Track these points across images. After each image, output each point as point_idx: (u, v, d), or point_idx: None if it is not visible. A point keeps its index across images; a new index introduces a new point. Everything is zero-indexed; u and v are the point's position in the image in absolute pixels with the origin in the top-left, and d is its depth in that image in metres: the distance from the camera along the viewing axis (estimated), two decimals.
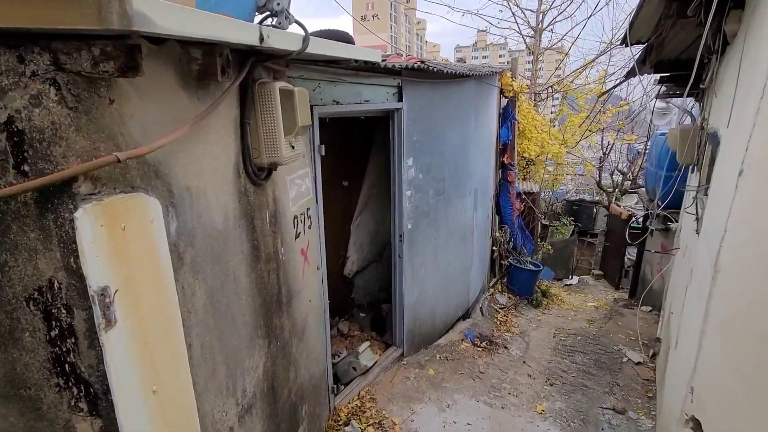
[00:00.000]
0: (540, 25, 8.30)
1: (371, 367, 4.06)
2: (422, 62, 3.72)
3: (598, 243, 10.70)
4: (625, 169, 10.14)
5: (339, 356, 4.38)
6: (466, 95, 4.81)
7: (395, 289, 4.23)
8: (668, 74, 4.60)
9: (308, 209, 2.84)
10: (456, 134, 4.65)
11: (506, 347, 5.15)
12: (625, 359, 4.95)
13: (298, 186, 2.66)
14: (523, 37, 8.25)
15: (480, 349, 4.94)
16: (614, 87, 5.73)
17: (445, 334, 5.04)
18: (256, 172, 2.07)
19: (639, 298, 8.21)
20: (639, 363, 4.80)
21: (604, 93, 6.36)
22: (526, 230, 7.65)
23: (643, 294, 7.43)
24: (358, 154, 5.01)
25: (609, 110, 7.96)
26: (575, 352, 5.19)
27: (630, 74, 4.70)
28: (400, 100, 3.71)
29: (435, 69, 3.92)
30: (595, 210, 12.39)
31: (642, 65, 4.01)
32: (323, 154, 3.00)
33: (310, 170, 2.86)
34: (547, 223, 10.90)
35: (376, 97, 3.46)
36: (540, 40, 8.34)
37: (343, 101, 3.12)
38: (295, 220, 2.62)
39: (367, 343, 4.20)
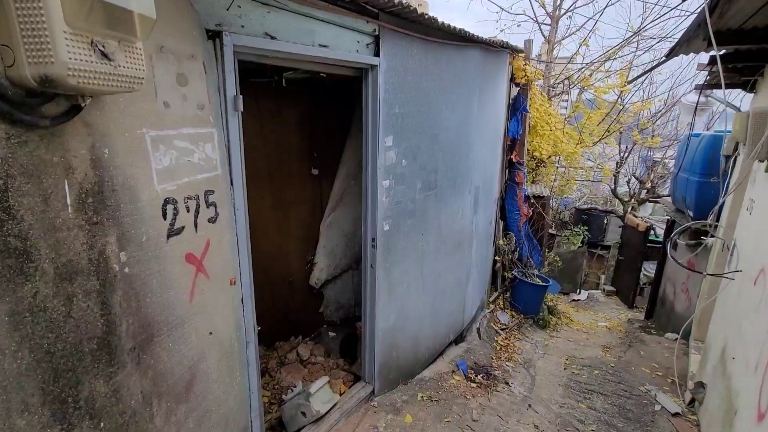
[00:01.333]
0: (557, 12, 7.19)
1: (328, 412, 2.95)
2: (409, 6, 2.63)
3: (610, 256, 9.51)
4: (643, 177, 8.95)
5: (292, 390, 3.28)
6: (469, 68, 3.71)
7: (365, 309, 3.12)
8: (726, 50, 3.46)
9: (209, 192, 1.75)
10: (454, 115, 3.55)
11: (507, 382, 4.01)
12: (657, 407, 3.79)
13: (183, 152, 1.58)
14: (538, 24, 7.15)
15: (474, 386, 3.80)
16: (651, 70, 4.62)
17: (432, 364, 3.91)
18: (16, 96, 0.99)
19: (658, 319, 7.03)
20: (677, 414, 3.63)
21: (633, 80, 5.25)
22: (534, 239, 6.51)
23: (651, 310, 6.23)
24: (332, 136, 3.93)
25: (633, 106, 6.82)
26: (593, 392, 4.04)
27: (675, 51, 3.57)
28: (377, 54, 2.62)
29: (428, 20, 2.82)
30: (606, 220, 11.19)
31: (692, 40, 2.89)
32: (241, 109, 1.91)
33: (215, 132, 1.77)
34: (554, 232, 9.75)
35: (339, 44, 2.38)
36: (557, 28, 7.23)
37: (282, 37, 2.04)
38: (169, 208, 1.53)
39: (324, 379, 3.09)
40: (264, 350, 3.87)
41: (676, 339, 5.58)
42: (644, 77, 6.08)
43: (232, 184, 1.91)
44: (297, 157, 3.76)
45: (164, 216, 1.51)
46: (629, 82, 5.61)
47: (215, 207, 1.80)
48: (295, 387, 3.28)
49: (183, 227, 1.62)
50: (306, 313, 4.13)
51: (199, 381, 1.79)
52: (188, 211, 1.64)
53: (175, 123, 1.54)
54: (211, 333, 1.84)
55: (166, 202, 1.51)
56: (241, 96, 1.89)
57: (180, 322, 1.65)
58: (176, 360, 1.64)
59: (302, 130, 3.74)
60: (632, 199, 8.54)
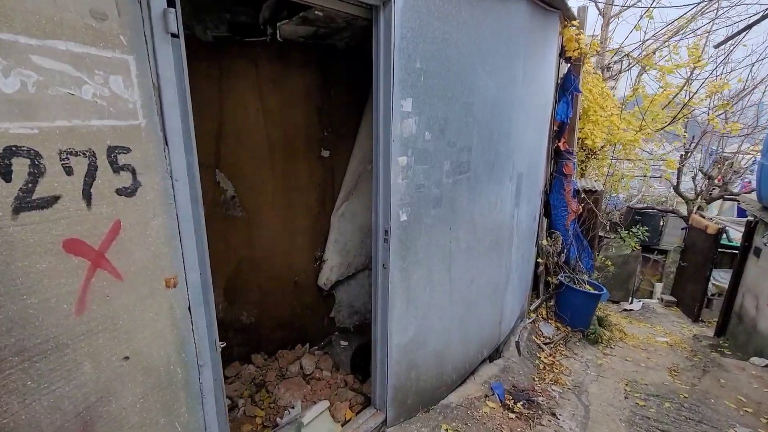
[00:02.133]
0: None
1: None
2: None
3: (668, 262, 8.29)
4: (710, 171, 7.68)
5: (289, 412, 2.68)
6: (513, 24, 2.95)
7: (375, 320, 2.45)
8: None
9: (118, 150, 1.14)
10: (493, 82, 2.80)
11: (554, 414, 3.21)
12: None
13: (56, 79, 0.98)
14: None
15: (513, 416, 3.04)
16: (745, 30, 3.63)
17: (460, 386, 3.18)
18: None
19: (733, 337, 5.86)
20: None
21: (721, 43, 4.21)
22: (584, 240, 5.57)
23: (724, 326, 5.11)
24: (346, 111, 3.28)
25: (707, 87, 5.68)
26: None
27: None
28: None
29: None
30: (662, 221, 9.87)
31: None
32: (174, 31, 1.28)
33: (131, 61, 1.16)
34: (601, 233, 8.64)
35: None
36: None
37: None
38: (18, 164, 0.93)
39: (323, 405, 2.46)
40: (264, 360, 3.29)
41: (766, 365, 4.51)
42: (732, 42, 4.97)
43: (166, 144, 1.30)
44: (304, 135, 3.15)
45: (4, 176, 0.91)
46: (717, 46, 4.56)
47: (133, 173, 1.19)
48: (292, 408, 2.66)
49: (57, 197, 1.02)
50: (314, 319, 3.52)
51: (103, 430, 1.19)
52: (69, 173, 1.03)
53: (37, 28, 0.94)
54: (127, 358, 1.24)
55: (9, 153, 0.91)
56: (175, 12, 1.27)
57: (56, 346, 1.05)
58: (48, 405, 1.05)
59: (310, 102, 3.12)
60: (699, 198, 7.32)
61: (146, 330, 1.29)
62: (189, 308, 1.45)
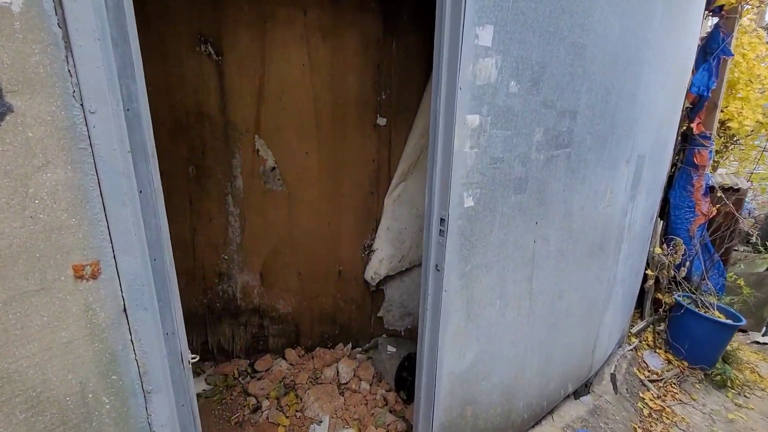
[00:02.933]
0: None
1: None
2: None
3: None
4: None
5: (314, 430, 2.21)
6: None
7: (423, 335, 1.82)
8: None
9: None
10: (617, 18, 1.92)
11: None
12: None
13: None
14: None
15: None
16: None
17: (534, 429, 2.42)
18: None
19: None
20: None
21: None
22: (715, 252, 4.27)
23: None
24: (409, 70, 2.62)
25: None
26: None
27: None
28: None
29: None
30: None
31: None
32: None
33: None
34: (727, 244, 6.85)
35: None
36: None
37: None
38: None
39: None
40: (300, 356, 2.85)
41: None
42: None
43: (69, 48, 0.79)
44: (357, 98, 2.57)
45: None
46: None
47: None
48: (318, 425, 2.17)
49: None
50: (359, 316, 2.99)
51: None
52: None
53: None
54: None
55: None
56: None
57: None
58: None
59: (367, 58, 2.52)
60: None
61: (33, 344, 0.82)
62: (124, 311, 0.95)
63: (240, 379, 2.70)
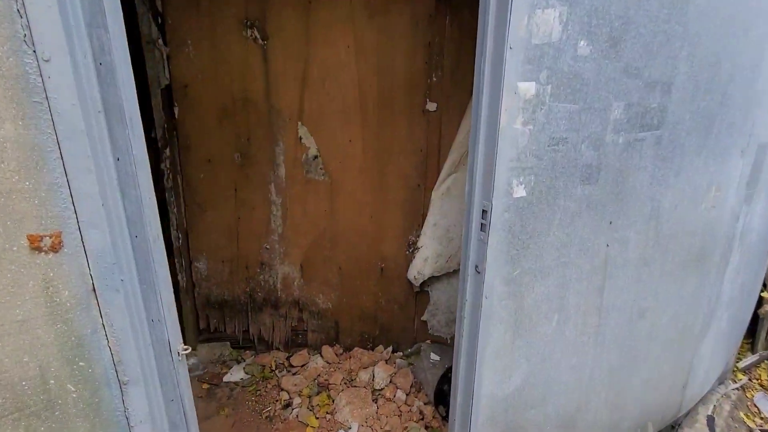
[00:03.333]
0: None
1: None
2: None
3: None
4: None
5: None
6: None
7: (458, 348, 1.55)
8: None
9: None
10: None
11: None
12: None
13: None
14: None
15: None
16: None
17: None
18: None
19: None
20: None
21: None
22: None
23: None
24: (463, 50, 2.33)
25: None
26: None
27: None
28: None
29: None
30: None
31: None
32: None
33: None
34: None
35: None
36: None
37: None
38: None
39: None
40: (337, 355, 2.71)
41: None
42: None
43: None
44: (405, 81, 2.35)
45: None
46: None
47: None
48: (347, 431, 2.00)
49: None
50: (402, 317, 2.77)
51: None
52: None
53: None
54: None
55: None
56: None
57: None
58: None
59: (417, 36, 2.29)
60: None
61: None
62: (93, 290, 0.84)
63: (276, 371, 2.63)
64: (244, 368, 2.65)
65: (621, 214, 1.58)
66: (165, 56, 2.30)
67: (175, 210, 2.54)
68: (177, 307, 2.86)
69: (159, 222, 0.98)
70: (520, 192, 1.33)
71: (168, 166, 2.46)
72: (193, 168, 2.49)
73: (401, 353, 2.78)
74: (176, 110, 2.39)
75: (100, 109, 0.81)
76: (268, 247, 2.63)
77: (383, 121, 2.41)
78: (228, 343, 2.83)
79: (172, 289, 1.05)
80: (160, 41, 2.26)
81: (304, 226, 2.58)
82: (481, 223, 1.34)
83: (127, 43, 0.87)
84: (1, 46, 0.68)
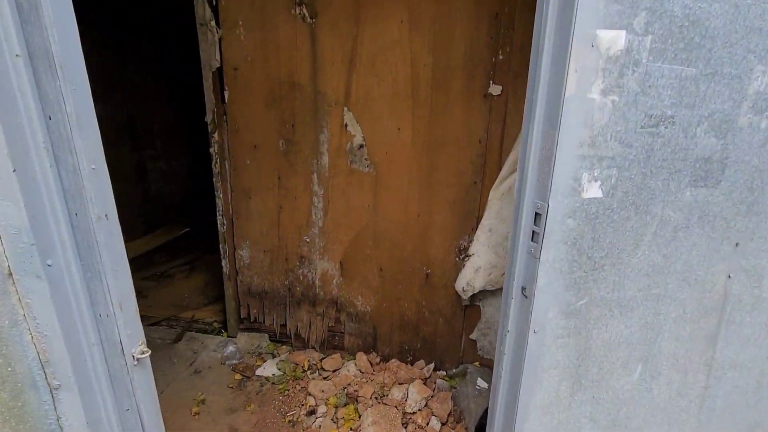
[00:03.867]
0: None
1: None
2: None
3: None
4: None
5: None
6: None
7: (496, 391, 1.18)
8: None
9: None
10: None
11: None
12: None
13: None
14: None
15: None
16: None
17: None
18: None
19: None
20: None
21: None
22: None
23: None
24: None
25: None
26: None
27: None
28: None
29: None
30: None
31: None
32: None
33: None
34: None
35: None
36: None
37: None
38: None
39: None
40: (371, 364, 2.46)
41: None
42: None
43: None
44: (465, 60, 2.00)
45: None
46: None
47: None
48: None
49: None
50: (447, 333, 2.42)
51: None
52: None
53: None
54: None
55: None
56: None
57: None
58: None
59: (480, 8, 1.93)
60: None
61: None
62: (10, 275, 0.69)
63: (308, 372, 2.47)
64: (277, 364, 2.53)
65: (755, 235, 1.08)
66: (217, 38, 2.25)
67: (221, 195, 2.50)
68: (219, 293, 2.81)
69: (109, 198, 0.81)
70: (593, 191, 0.94)
71: (216, 150, 2.42)
72: (241, 153, 2.42)
73: (444, 372, 2.44)
74: (226, 94, 2.33)
75: (18, 53, 0.65)
76: (308, 240, 2.47)
77: (437, 106, 2.09)
78: (266, 335, 2.75)
79: (129, 279, 0.88)
80: (213, 23, 2.21)
81: (346, 220, 2.37)
82: (533, 231, 0.97)
83: None
84: None
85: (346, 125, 2.23)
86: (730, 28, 0.89)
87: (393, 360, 2.47)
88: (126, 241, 0.88)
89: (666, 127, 0.93)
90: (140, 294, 3.47)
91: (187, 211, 4.98)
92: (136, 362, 0.90)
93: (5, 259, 0.69)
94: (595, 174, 0.93)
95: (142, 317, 2.92)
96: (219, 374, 2.50)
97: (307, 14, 2.11)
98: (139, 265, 4.02)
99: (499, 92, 2.00)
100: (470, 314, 2.36)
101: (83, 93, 0.74)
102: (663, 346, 1.13)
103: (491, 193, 2.08)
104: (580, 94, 0.85)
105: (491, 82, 2.00)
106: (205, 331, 2.89)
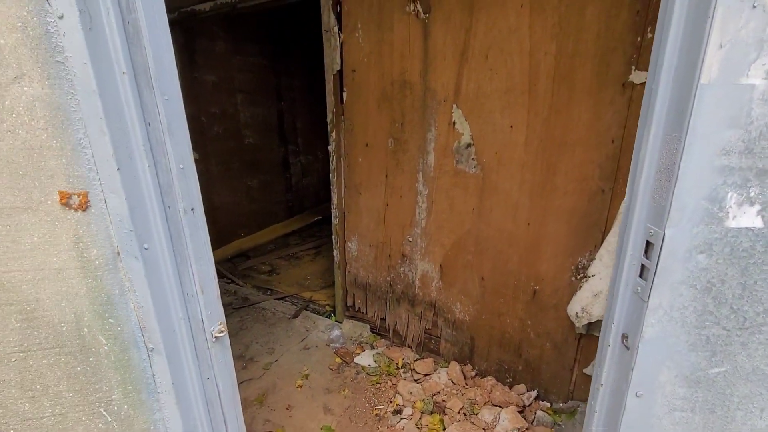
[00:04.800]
0: None
1: None
2: None
3: None
4: None
5: None
6: None
7: None
8: None
9: None
10: None
11: None
12: None
13: None
14: None
15: None
16: None
17: None
18: None
19: None
20: None
21: None
22: None
23: None
24: None
25: None
26: None
27: None
28: None
29: None
30: None
31: None
32: None
33: None
34: None
35: None
36: None
37: None
38: None
39: None
40: (464, 377, 2.32)
41: None
42: None
43: None
44: (598, 44, 1.66)
45: None
46: None
47: None
48: None
49: None
50: (555, 361, 2.09)
51: None
52: None
53: None
54: None
55: None
56: None
57: None
58: None
59: None
60: None
61: (25, 260, 0.81)
62: (118, 254, 0.85)
63: (401, 370, 2.47)
64: (373, 356, 2.60)
65: None
66: (339, 43, 2.38)
67: (335, 190, 2.67)
68: (329, 281, 3.04)
69: (196, 194, 0.92)
70: (746, 219, 0.65)
71: (333, 148, 2.58)
72: (354, 151, 2.53)
73: (548, 404, 2.13)
74: (344, 95, 2.46)
75: (125, 70, 0.77)
76: (410, 239, 2.45)
77: (559, 100, 1.79)
78: (368, 326, 2.85)
79: (211, 266, 0.99)
80: (335, 28, 2.35)
81: (448, 223, 2.26)
82: (641, 265, 0.73)
83: (162, 3, 0.80)
84: (27, 6, 0.69)
85: (454, 123, 2.11)
86: None
87: (489, 377, 2.27)
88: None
89: None
90: (274, 271, 4.02)
91: (320, 201, 5.53)
92: (214, 339, 1.01)
93: (114, 240, 0.84)
94: (752, 194, 0.63)
95: (272, 291, 3.34)
96: (324, 354, 2.70)
97: (420, 10, 2.06)
98: (278, 244, 4.65)
99: (644, 80, 1.60)
100: (586, 345, 2.00)
101: (175, 103, 0.84)
102: None
103: (623, 204, 1.70)
104: (726, 80, 0.59)
105: (633, 68, 1.61)
106: (319, 313, 3.16)
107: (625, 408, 0.79)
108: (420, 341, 2.60)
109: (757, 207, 0.64)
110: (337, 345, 2.76)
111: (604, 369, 0.85)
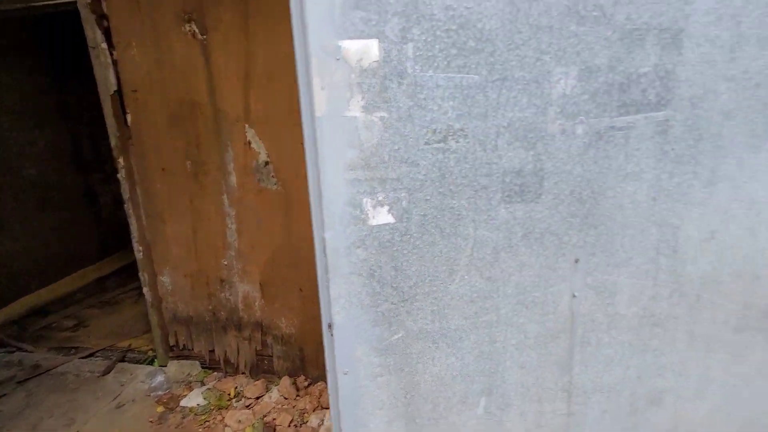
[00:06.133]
0: None
1: None
2: None
3: None
4: None
5: None
6: None
7: None
8: None
9: None
10: None
11: None
12: None
13: None
14: None
15: None
16: None
17: None
18: None
19: None
20: None
21: None
22: None
23: None
24: None
25: None
26: None
27: None
28: None
29: None
30: None
31: None
32: None
33: None
34: None
35: None
36: None
37: None
38: None
39: None
40: (297, 388, 2.36)
41: None
42: None
43: None
44: None
45: None
46: None
47: None
48: None
49: None
50: None
51: None
52: None
53: None
54: None
55: None
56: None
57: None
58: None
59: None
60: None
61: None
62: None
63: (234, 400, 2.37)
64: (202, 393, 2.43)
65: (596, 248, 0.98)
66: (112, 60, 2.17)
67: (134, 222, 2.42)
68: (144, 322, 2.68)
69: None
70: (382, 217, 0.85)
71: (124, 176, 2.34)
72: (150, 177, 2.34)
73: None
74: (128, 117, 2.26)
75: None
76: (226, 262, 2.38)
77: None
78: (197, 362, 2.65)
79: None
80: (103, 45, 2.14)
81: (260, 241, 2.28)
82: (325, 264, 0.88)
83: None
84: None
85: (249, 142, 2.15)
86: (511, 28, 0.79)
87: (320, 383, 2.37)
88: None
89: (457, 141, 0.84)
90: (82, 324, 3.40)
91: None
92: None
93: None
94: (380, 198, 0.83)
95: (77, 349, 2.80)
96: (142, 407, 2.40)
97: (197, 30, 2.04)
98: (89, 291, 3.93)
99: None
100: None
101: None
102: (507, 376, 1.03)
103: None
104: (334, 113, 0.76)
105: None
106: (138, 361, 2.79)
107: (338, 387, 0.94)
108: (253, 364, 2.54)
109: (387, 207, 0.85)
110: (160, 392, 2.49)
111: (327, 357, 0.99)
